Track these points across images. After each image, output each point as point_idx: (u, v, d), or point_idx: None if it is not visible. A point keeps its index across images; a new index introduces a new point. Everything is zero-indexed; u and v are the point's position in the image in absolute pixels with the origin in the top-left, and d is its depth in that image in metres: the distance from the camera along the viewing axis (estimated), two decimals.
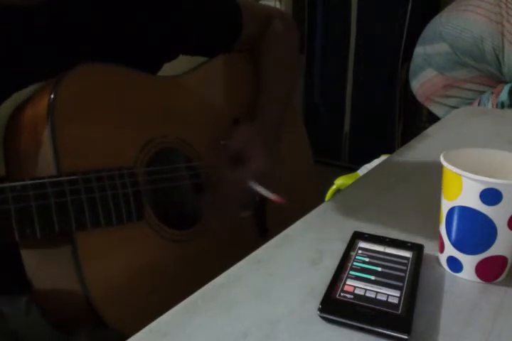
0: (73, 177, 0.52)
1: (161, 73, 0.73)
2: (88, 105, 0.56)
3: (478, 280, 0.45)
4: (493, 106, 1.46)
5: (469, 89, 1.58)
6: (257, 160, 0.67)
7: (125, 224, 0.56)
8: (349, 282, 0.42)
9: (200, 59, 0.77)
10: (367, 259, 0.46)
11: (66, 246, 0.52)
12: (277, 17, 0.82)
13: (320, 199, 0.95)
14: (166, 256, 0.60)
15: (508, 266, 0.45)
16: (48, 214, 0.50)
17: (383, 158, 1.09)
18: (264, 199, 0.68)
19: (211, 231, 0.67)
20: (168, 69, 0.74)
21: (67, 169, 0.52)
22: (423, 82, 1.68)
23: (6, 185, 0.47)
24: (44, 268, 0.56)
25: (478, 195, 0.41)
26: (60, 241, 0.52)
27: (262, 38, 0.81)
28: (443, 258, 0.47)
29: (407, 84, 1.89)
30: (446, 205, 0.45)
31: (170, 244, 0.61)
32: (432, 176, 0.53)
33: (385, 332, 0.37)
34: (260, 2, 2.08)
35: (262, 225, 0.76)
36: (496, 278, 0.45)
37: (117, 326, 0.53)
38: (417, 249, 0.48)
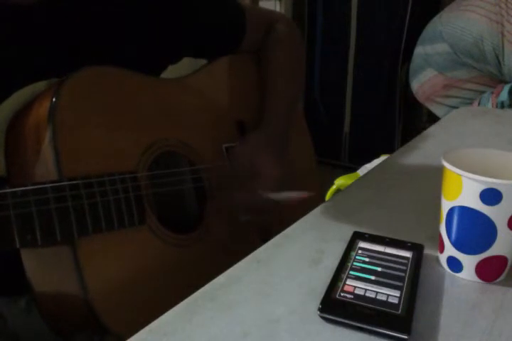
0: (74, 181, 0.51)
1: (162, 75, 0.73)
2: (90, 108, 0.56)
3: (478, 280, 0.45)
4: (493, 106, 1.46)
5: (469, 89, 1.58)
6: (268, 170, 0.66)
7: (126, 228, 0.56)
8: (349, 282, 0.42)
9: (201, 61, 0.77)
10: (367, 259, 0.46)
11: (66, 249, 0.52)
12: (280, 20, 0.83)
13: (320, 199, 0.95)
14: (166, 261, 0.60)
15: (508, 266, 0.45)
16: (49, 220, 0.49)
17: (383, 158, 1.09)
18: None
19: (213, 235, 0.66)
20: (169, 71, 0.74)
21: (69, 173, 0.52)
22: (423, 82, 1.68)
23: (7, 190, 0.47)
24: (44, 271, 0.56)
25: (478, 194, 0.41)
26: (61, 244, 0.52)
27: (266, 40, 0.81)
28: (443, 258, 0.47)
29: (407, 84, 1.89)
30: (446, 205, 0.45)
31: (171, 248, 0.61)
32: (432, 176, 0.53)
33: (385, 332, 0.37)
34: (260, 2, 2.08)
35: (266, 231, 0.75)
36: (496, 278, 0.45)
37: (117, 330, 0.52)
38: (417, 249, 0.48)
